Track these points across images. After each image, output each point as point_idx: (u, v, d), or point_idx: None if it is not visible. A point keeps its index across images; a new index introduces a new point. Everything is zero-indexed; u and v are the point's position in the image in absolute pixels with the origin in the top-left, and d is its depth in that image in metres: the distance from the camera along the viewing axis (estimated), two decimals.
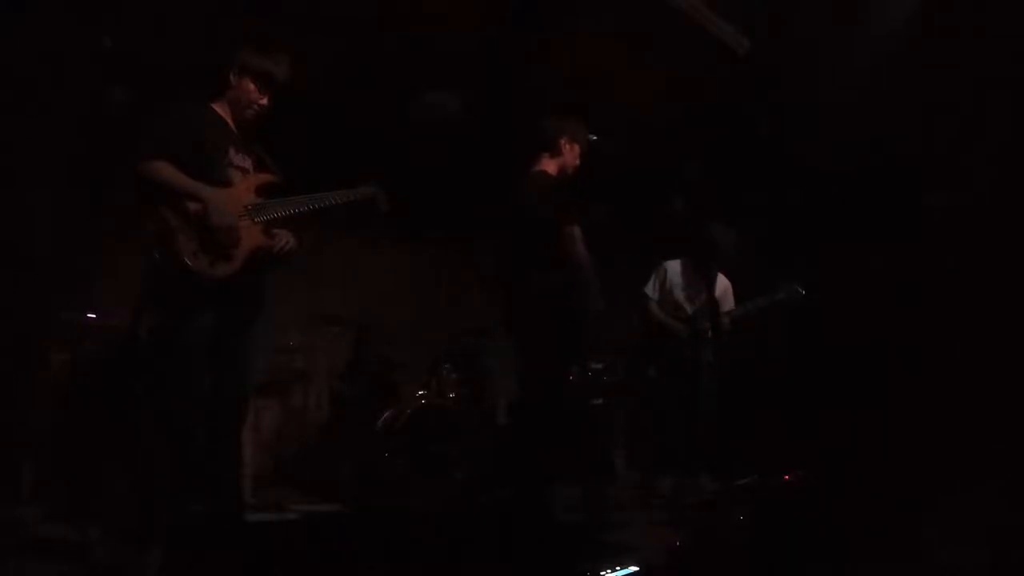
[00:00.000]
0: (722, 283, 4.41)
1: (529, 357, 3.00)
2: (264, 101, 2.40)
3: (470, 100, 4.79)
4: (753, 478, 3.41)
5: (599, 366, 5.40)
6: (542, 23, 4.07)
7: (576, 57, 4.34)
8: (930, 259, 4.14)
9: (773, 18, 4.08)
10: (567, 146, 3.13)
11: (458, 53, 4.29)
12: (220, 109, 2.40)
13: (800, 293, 4.17)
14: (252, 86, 2.36)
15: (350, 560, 1.10)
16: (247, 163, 2.40)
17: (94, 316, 3.83)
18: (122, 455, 3.09)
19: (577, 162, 3.15)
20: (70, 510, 2.83)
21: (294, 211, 2.38)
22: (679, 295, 4.23)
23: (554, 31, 4.13)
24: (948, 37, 3.74)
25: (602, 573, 2.03)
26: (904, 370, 4.10)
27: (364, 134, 4.77)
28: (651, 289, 4.24)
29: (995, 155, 3.84)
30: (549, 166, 3.12)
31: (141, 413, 2.25)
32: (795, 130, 4.76)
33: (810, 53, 4.31)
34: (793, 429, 4.28)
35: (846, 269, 4.57)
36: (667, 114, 5.04)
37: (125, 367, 3.44)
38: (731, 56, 4.36)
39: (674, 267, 4.30)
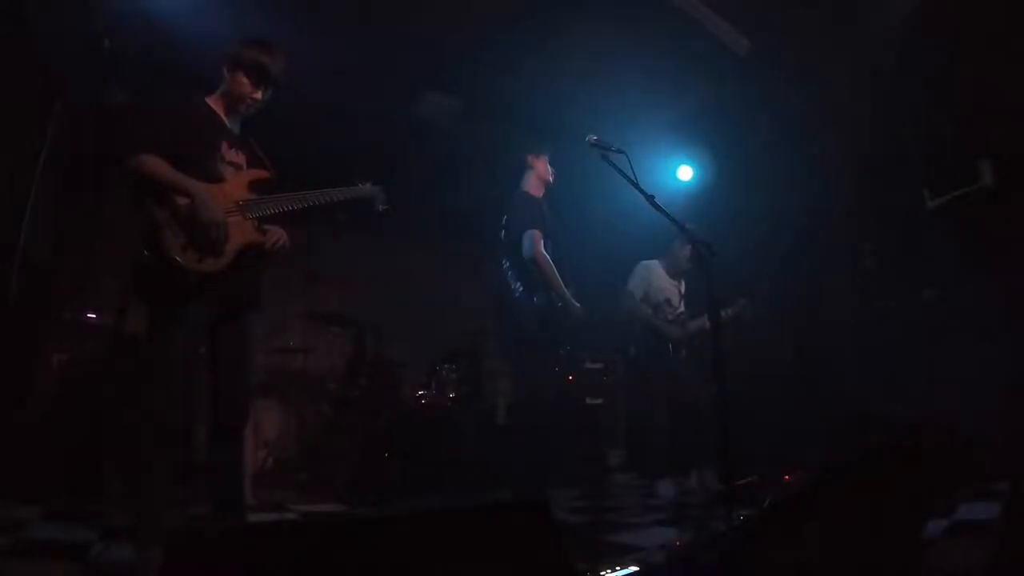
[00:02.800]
0: (682, 284, 4.44)
1: (516, 359, 3.35)
2: (258, 96, 2.35)
3: (470, 100, 4.79)
4: (753, 478, 3.41)
5: (597, 366, 5.42)
6: (543, 25, 4.08)
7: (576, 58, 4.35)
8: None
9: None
10: (534, 160, 3.47)
11: (458, 53, 4.30)
12: (213, 103, 2.36)
13: (751, 307, 4.26)
14: (246, 80, 2.32)
15: (349, 560, 1.10)
16: (240, 159, 2.37)
17: (94, 316, 3.84)
18: (121, 454, 3.09)
19: (549, 174, 3.49)
20: (70, 510, 2.83)
21: (287, 208, 2.35)
22: (661, 295, 4.24)
23: (554, 32, 4.14)
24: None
25: (602, 573, 2.03)
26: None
27: (364, 133, 4.77)
28: (635, 288, 4.24)
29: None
30: (528, 185, 3.45)
31: (137, 411, 2.23)
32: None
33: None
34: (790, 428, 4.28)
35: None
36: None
37: (115, 364, 3.45)
38: (731, 56, 4.37)
39: (655, 266, 4.31)
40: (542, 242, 3.19)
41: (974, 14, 3.62)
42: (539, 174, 3.47)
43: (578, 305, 3.24)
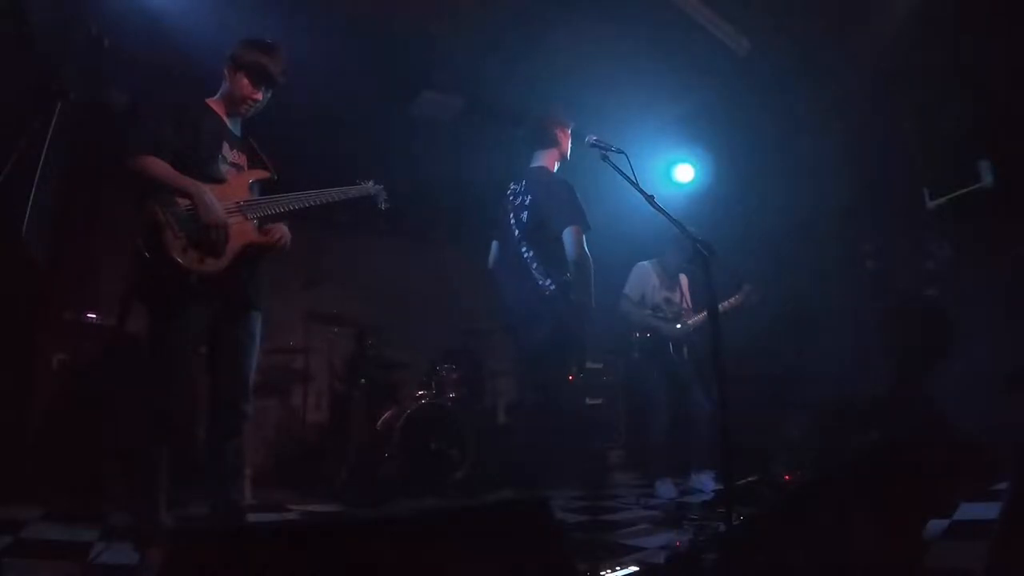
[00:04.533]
0: (684, 282, 4.43)
1: (528, 356, 2.98)
2: (258, 97, 2.37)
3: (470, 100, 4.79)
4: (753, 478, 3.41)
5: (598, 366, 5.42)
6: (543, 24, 4.07)
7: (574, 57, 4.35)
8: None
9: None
10: (563, 134, 3.10)
11: (458, 53, 4.30)
12: (215, 105, 2.38)
13: (757, 293, 4.22)
14: (246, 81, 2.34)
15: (349, 560, 1.10)
16: (241, 159, 2.39)
17: (94, 316, 3.84)
18: (121, 454, 3.09)
19: (568, 149, 3.13)
20: (70, 510, 2.83)
21: (288, 208, 2.36)
22: (659, 295, 4.24)
23: (553, 32, 4.14)
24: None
25: (602, 573, 2.03)
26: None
27: (363, 133, 4.77)
28: (632, 290, 4.24)
29: None
30: (547, 160, 3.07)
31: (137, 411, 2.23)
32: None
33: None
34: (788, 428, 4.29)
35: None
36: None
37: (115, 364, 3.45)
38: (731, 56, 4.37)
39: (652, 267, 4.30)
40: (584, 239, 2.83)
41: (974, 14, 3.62)
42: (562, 150, 3.09)
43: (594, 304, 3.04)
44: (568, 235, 2.79)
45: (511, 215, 3.01)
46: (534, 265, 2.86)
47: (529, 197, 2.96)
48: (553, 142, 3.07)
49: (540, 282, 2.83)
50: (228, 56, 2.36)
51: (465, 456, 4.14)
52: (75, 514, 2.77)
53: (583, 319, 2.86)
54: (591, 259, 2.83)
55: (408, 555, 1.14)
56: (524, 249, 2.90)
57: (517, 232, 2.95)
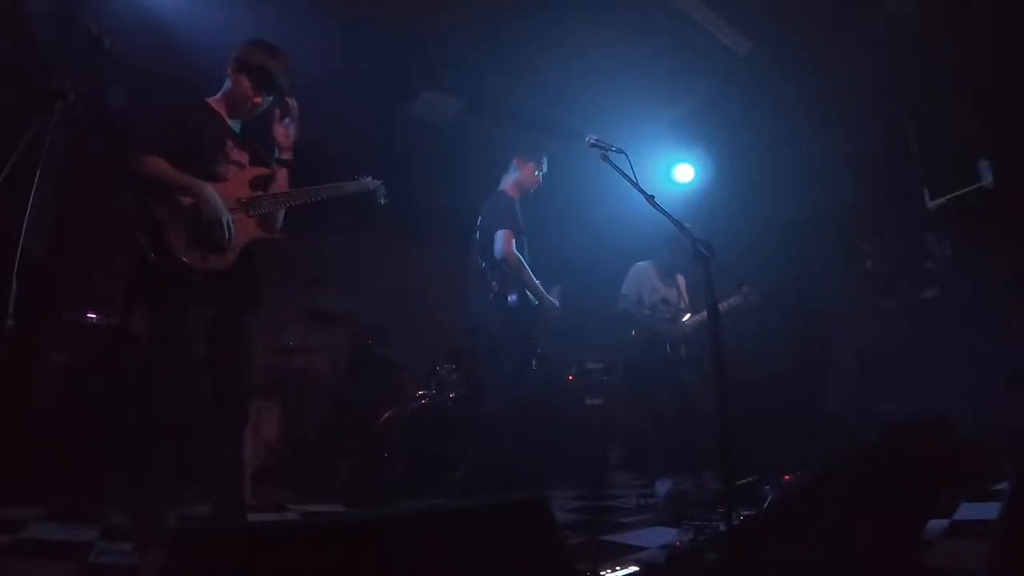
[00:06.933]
0: (682, 282, 4.43)
1: (490, 356, 3.28)
2: (259, 100, 2.38)
3: (470, 100, 4.79)
4: (753, 478, 3.41)
5: (598, 366, 5.41)
6: (543, 24, 4.07)
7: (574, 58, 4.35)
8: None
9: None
10: (521, 165, 3.45)
11: (458, 53, 4.29)
12: (216, 104, 2.39)
13: (758, 295, 4.21)
14: (248, 84, 2.34)
15: (349, 560, 1.10)
16: (243, 158, 2.38)
17: (94, 316, 3.84)
18: (122, 454, 3.09)
19: (533, 179, 3.47)
20: (70, 510, 2.83)
21: (289, 204, 2.37)
22: (656, 295, 4.23)
23: (554, 32, 4.13)
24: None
25: (602, 573, 2.03)
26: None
27: (363, 133, 4.77)
28: (630, 290, 4.23)
29: None
30: (507, 186, 3.44)
31: (139, 411, 2.23)
32: None
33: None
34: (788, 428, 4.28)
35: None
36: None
37: (119, 364, 3.45)
38: (731, 56, 4.37)
39: (649, 267, 4.30)
40: (513, 242, 3.17)
41: (974, 14, 3.62)
42: (521, 179, 3.45)
43: (557, 304, 3.27)
44: (497, 237, 3.16)
45: (474, 234, 3.40)
46: (488, 274, 3.23)
47: (480, 218, 3.36)
48: (512, 170, 3.47)
49: (490, 287, 3.19)
50: (232, 57, 2.36)
51: (465, 456, 4.13)
52: (75, 514, 2.77)
53: (521, 315, 3.18)
54: (519, 258, 3.17)
55: (408, 555, 1.14)
56: (479, 260, 3.28)
57: (475, 250, 3.35)
